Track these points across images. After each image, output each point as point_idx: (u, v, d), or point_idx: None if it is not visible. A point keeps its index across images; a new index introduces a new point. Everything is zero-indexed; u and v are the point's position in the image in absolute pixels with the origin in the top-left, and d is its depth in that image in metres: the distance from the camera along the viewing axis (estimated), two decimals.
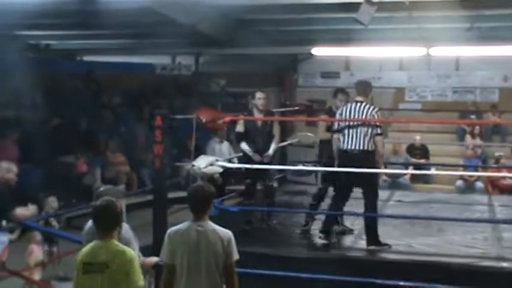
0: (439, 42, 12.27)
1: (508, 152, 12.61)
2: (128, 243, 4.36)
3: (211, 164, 6.37)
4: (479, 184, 11.79)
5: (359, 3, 8.74)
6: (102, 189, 4.69)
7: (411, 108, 14.74)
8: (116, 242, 3.78)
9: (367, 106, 6.33)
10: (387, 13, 10.12)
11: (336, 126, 6.49)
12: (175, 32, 11.09)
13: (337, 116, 6.48)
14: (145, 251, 4.85)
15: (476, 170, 11.89)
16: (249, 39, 12.49)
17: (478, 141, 13.14)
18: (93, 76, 14.80)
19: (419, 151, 12.74)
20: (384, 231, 6.88)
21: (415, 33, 11.81)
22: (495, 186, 11.77)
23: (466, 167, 11.89)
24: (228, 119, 7.18)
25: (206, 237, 3.94)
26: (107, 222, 3.81)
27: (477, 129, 13.27)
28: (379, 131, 6.26)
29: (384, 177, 11.95)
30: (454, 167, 12.00)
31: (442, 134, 14.05)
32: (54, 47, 14.73)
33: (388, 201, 9.32)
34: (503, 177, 11.54)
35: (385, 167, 11.85)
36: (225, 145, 10.58)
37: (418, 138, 12.93)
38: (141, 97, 15.13)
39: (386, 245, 6.30)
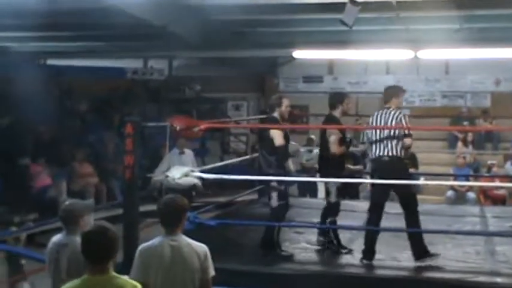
0: (428, 45, 12.40)
1: (501, 160, 12.74)
2: None
3: (186, 175, 6.36)
4: (471, 194, 11.90)
5: (343, 3, 8.80)
6: (68, 203, 4.66)
7: None
8: (114, 274, 3.44)
9: (393, 112, 6.41)
10: (373, 13, 10.22)
11: (364, 138, 6.69)
12: (147, 34, 11.10)
13: (370, 125, 6.58)
14: (115, 270, 4.81)
15: (467, 180, 12.00)
16: (226, 41, 12.53)
17: (470, 149, 13.26)
18: (57, 81, 14.70)
19: (407, 160, 12.79)
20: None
21: (402, 35, 11.92)
22: (488, 197, 11.89)
23: (456, 177, 11.99)
24: (204, 126, 7.14)
25: (181, 253, 3.94)
26: (103, 252, 3.40)
27: (470, 136, 13.39)
28: (406, 132, 6.36)
29: (370, 188, 11.97)
30: (444, 176, 12.10)
31: (431, 141, 14.16)
32: (14, 49, 14.61)
33: None
34: (496, 187, 11.65)
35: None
36: (187, 156, 9.93)
37: None
38: (110, 103, 15.05)
39: (435, 255, 6.27)
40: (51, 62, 16.36)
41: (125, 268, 5.03)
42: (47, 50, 15.21)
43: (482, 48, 12.24)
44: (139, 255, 4.00)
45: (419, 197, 12.12)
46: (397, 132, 6.37)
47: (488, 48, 12.23)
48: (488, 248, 6.96)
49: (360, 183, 11.88)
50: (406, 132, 6.42)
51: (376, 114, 6.58)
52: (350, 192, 11.83)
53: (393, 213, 9.32)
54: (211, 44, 12.54)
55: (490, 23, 11.38)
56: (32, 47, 14.72)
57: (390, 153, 6.35)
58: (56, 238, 4.53)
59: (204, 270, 3.96)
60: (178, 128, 6.58)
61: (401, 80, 15.47)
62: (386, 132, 6.38)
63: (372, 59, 14.62)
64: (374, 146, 6.42)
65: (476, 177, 12.28)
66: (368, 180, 11.67)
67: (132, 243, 5.78)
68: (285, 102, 6.70)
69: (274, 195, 6.45)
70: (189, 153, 9.92)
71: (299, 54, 14.01)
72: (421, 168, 12.68)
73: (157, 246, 3.98)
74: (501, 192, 11.88)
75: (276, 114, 6.61)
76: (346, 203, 9.62)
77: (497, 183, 11.50)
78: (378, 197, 6.52)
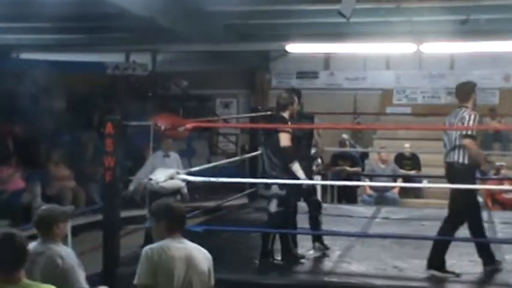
0: (431, 37, 12.44)
1: (510, 162, 12.75)
2: (69, 273, 4.32)
3: (171, 178, 6.35)
4: (478, 198, 11.89)
5: None
6: (43, 208, 4.63)
7: (400, 113, 14.89)
8: (28, 281, 3.46)
9: (462, 110, 6.32)
10: (372, 4, 10.23)
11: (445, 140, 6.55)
12: (130, 25, 11.07)
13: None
14: (93, 280, 4.80)
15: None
16: (214, 34, 12.50)
17: None
18: (31, 76, 14.63)
19: (409, 161, 12.87)
20: (369, 253, 6.90)
21: (403, 27, 11.94)
22: (496, 201, 11.90)
23: None
24: (190, 125, 7.15)
25: (192, 256, 4.06)
26: (12, 261, 3.41)
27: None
28: (464, 132, 6.22)
29: (369, 191, 12.03)
30: None
31: (435, 141, 13.97)
32: None
33: (374, 218, 9.35)
34: (505, 191, 11.67)
35: (371, 179, 11.94)
36: (173, 159, 9.73)
37: (407, 146, 13.05)
38: (89, 101, 15.00)
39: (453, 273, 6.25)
40: (25, 55, 16.29)
41: (104, 278, 5.03)
42: (20, 43, 15.15)
43: (490, 41, 12.27)
44: (147, 258, 4.03)
45: (422, 200, 12.35)
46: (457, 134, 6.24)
47: (497, 41, 12.26)
48: (496, 256, 6.96)
49: (358, 187, 11.92)
50: (467, 133, 6.21)
51: (452, 114, 6.44)
52: (347, 196, 11.86)
53: (395, 218, 9.37)
54: (198, 37, 12.53)
55: (498, 13, 11.38)
56: (3, 40, 14.66)
57: (452, 159, 6.27)
58: (31, 246, 4.50)
59: (210, 276, 4.13)
60: (162, 127, 6.59)
61: (403, 75, 15.55)
62: (452, 134, 6.30)
63: (371, 53, 14.65)
64: (453, 151, 6.32)
65: (483, 180, 12.28)
66: (366, 183, 11.78)
67: (113, 252, 5.78)
68: (296, 100, 6.70)
69: (274, 200, 6.44)
70: (174, 156, 9.75)
71: (293, 47, 14.02)
72: (424, 170, 12.71)
73: (168, 248, 4.02)
74: (510, 196, 11.90)
75: (285, 114, 6.53)
76: (343, 208, 9.70)
77: (506, 186, 11.51)
78: (462, 206, 6.36)
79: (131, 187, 9.27)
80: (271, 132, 6.47)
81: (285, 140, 6.31)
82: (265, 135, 6.75)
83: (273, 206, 6.44)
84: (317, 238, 6.95)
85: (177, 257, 4.01)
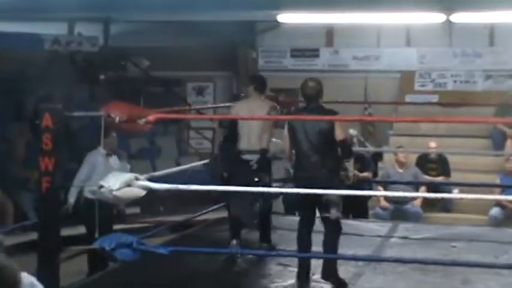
0: (465, 4, 12.46)
1: None
2: None
3: (128, 185, 6.33)
4: None
5: None
6: None
7: (423, 102, 14.94)
8: None
9: None
10: None
11: None
12: None
13: None
14: None
15: None
16: None
17: None
18: None
19: (435, 164, 12.91)
20: (383, 283, 6.94)
21: None
22: None
23: (505, 188, 12.06)
24: (153, 117, 7.11)
25: None
26: None
27: None
28: None
29: (383, 203, 12.06)
30: (487, 187, 12.15)
31: (469, 139, 14.24)
32: None
33: (390, 237, 9.41)
34: None
35: (386, 187, 11.97)
36: (115, 160, 9.81)
37: (433, 145, 13.09)
38: (20, 84, 14.94)
39: None
40: None
41: None
42: None
43: None
44: None
45: (452, 215, 12.39)
46: None
47: None
48: None
49: (369, 197, 11.94)
50: None
51: None
52: (355, 209, 11.85)
53: (417, 238, 9.41)
54: (164, 3, 12.50)
55: None
56: None
57: None
58: None
59: None
60: (117, 119, 6.57)
61: (428, 54, 15.61)
62: None
63: (386, 24, 14.69)
64: None
65: None
66: (379, 193, 11.78)
67: (50, 281, 5.76)
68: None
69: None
70: (115, 156, 9.79)
71: (286, 17, 14.01)
72: (454, 176, 12.78)
73: None
74: None
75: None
76: (349, 224, 9.73)
77: None
78: None
79: (71, 199, 9.27)
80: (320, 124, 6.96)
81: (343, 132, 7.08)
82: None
83: (334, 211, 6.84)
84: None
85: None
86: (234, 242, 8.00)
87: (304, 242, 7.03)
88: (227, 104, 11.04)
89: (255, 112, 8.08)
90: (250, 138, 8.09)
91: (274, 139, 8.57)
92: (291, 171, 7.79)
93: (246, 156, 8.07)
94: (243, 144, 8.17)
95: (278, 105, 8.52)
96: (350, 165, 7.28)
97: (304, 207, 7.21)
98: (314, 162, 6.94)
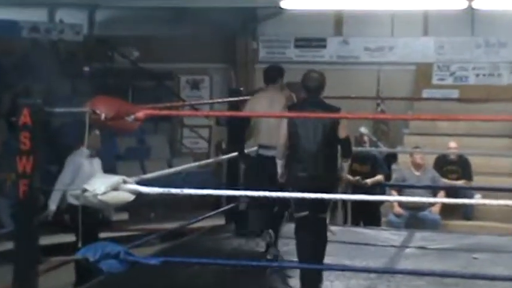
0: None
1: None
2: None
3: (115, 188, 6.30)
4: None
5: None
6: None
7: (442, 97, 14.91)
8: None
9: None
10: None
11: None
12: None
13: None
14: None
15: None
16: None
17: None
18: None
19: (454, 167, 12.89)
20: None
21: None
22: None
23: None
24: (143, 113, 7.08)
25: None
26: None
27: None
28: None
29: (398, 209, 12.03)
30: None
31: (493, 138, 14.24)
32: None
33: (405, 247, 9.37)
34: None
35: (401, 192, 11.94)
36: (97, 162, 9.84)
37: (453, 145, 13.08)
38: None
39: None
40: None
41: None
42: None
43: None
44: None
45: (474, 223, 12.37)
46: None
47: None
48: None
49: (382, 202, 11.90)
50: None
51: None
52: (367, 215, 11.82)
53: (435, 248, 9.40)
54: None
55: None
56: None
57: None
58: None
59: None
60: (103, 115, 6.53)
61: (447, 44, 15.57)
62: None
63: (401, 10, 14.66)
64: None
65: None
66: (393, 198, 11.76)
67: None
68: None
69: None
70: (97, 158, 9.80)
71: (289, 3, 14.00)
72: (477, 180, 12.76)
73: None
74: None
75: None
76: (360, 232, 9.70)
77: None
78: None
79: (52, 206, 9.26)
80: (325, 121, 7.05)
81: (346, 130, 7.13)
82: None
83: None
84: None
85: None
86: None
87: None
88: (225, 99, 11.01)
89: (275, 106, 8.11)
90: (270, 134, 8.04)
91: None
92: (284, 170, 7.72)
93: (267, 152, 8.07)
94: (263, 139, 8.20)
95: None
96: (346, 165, 7.31)
97: (303, 209, 7.17)
98: (314, 160, 6.96)
